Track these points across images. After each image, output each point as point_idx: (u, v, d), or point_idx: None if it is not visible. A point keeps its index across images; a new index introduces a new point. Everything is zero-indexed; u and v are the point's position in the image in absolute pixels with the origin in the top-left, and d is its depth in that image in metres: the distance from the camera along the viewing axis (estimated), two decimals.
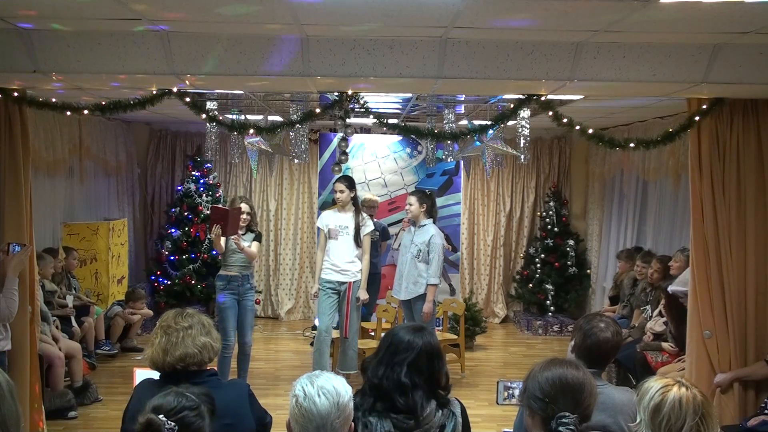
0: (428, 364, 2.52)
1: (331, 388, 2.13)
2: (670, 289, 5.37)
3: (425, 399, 2.48)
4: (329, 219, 6.21)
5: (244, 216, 5.91)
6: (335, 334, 6.30)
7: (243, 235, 5.95)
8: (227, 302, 5.85)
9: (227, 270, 5.89)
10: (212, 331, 2.74)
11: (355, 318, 6.20)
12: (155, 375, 2.76)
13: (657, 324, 5.74)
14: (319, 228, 6.31)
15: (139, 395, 2.63)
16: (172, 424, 1.98)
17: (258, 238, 6.08)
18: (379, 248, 7.39)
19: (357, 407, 2.44)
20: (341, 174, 6.11)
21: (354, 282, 6.14)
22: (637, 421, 2.21)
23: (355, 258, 6.16)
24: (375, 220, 7.41)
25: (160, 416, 1.99)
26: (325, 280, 6.14)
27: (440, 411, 2.50)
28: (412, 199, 6.16)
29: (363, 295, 6.22)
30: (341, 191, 6.11)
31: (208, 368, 2.74)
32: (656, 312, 5.93)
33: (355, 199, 6.21)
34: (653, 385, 2.19)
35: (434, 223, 6.22)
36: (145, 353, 2.76)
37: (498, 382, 3.17)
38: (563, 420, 2.07)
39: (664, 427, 2.09)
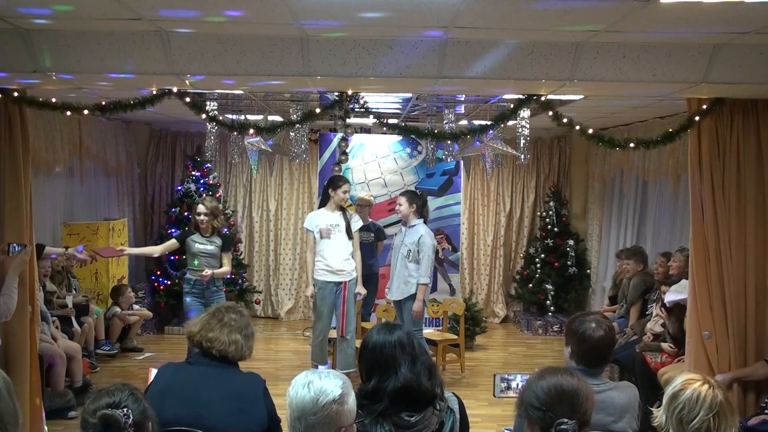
0: (414, 351, 2.54)
1: (319, 385, 2.14)
2: (668, 300, 5.39)
3: (438, 375, 2.54)
4: (319, 219, 6.19)
5: (201, 218, 5.86)
6: (332, 334, 6.33)
7: (210, 237, 5.91)
8: (192, 304, 5.85)
9: (192, 273, 5.88)
10: (251, 338, 2.92)
11: (353, 316, 6.21)
12: None
13: (657, 324, 5.74)
14: (307, 230, 6.28)
15: (162, 373, 2.85)
16: (125, 410, 2.03)
17: (227, 245, 6.01)
18: (376, 249, 7.39)
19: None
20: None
21: (349, 281, 6.15)
22: (660, 406, 2.35)
23: (350, 256, 6.18)
24: (371, 220, 7.43)
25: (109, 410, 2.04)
26: (322, 282, 6.12)
27: (438, 407, 2.50)
28: (402, 200, 6.19)
29: (362, 290, 6.29)
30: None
31: None
32: (654, 312, 5.93)
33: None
34: (681, 377, 2.32)
35: (425, 223, 6.23)
36: (190, 322, 2.99)
37: (495, 375, 3.19)
38: (562, 427, 2.10)
39: (677, 413, 2.21)
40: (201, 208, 5.90)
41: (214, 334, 2.81)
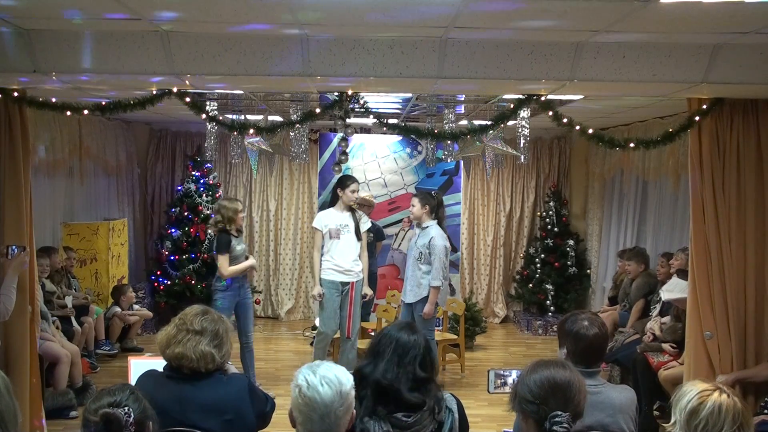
0: (430, 357, 2.59)
1: (334, 377, 2.17)
2: (665, 298, 5.38)
3: (432, 390, 2.54)
4: (328, 219, 6.18)
5: (242, 215, 6.00)
6: (336, 334, 6.33)
7: (237, 237, 5.94)
8: (226, 306, 5.79)
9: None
10: (224, 344, 2.75)
11: (358, 317, 6.23)
12: (149, 366, 2.84)
13: (656, 324, 5.73)
14: (315, 229, 6.29)
15: (141, 387, 2.64)
16: (126, 409, 2.07)
17: None
18: (375, 249, 7.39)
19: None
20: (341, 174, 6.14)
21: (356, 282, 6.15)
22: (672, 421, 2.23)
23: (358, 257, 6.19)
24: (370, 220, 7.43)
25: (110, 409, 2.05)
26: (329, 281, 6.11)
27: (436, 407, 2.51)
28: (415, 200, 6.14)
29: (368, 291, 6.34)
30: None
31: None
32: (656, 313, 5.93)
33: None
34: (692, 388, 2.20)
35: (440, 224, 6.16)
36: (159, 333, 2.83)
37: (489, 371, 3.19)
38: (556, 419, 2.11)
39: (700, 430, 2.09)
40: (240, 205, 5.95)
41: (180, 350, 2.66)
